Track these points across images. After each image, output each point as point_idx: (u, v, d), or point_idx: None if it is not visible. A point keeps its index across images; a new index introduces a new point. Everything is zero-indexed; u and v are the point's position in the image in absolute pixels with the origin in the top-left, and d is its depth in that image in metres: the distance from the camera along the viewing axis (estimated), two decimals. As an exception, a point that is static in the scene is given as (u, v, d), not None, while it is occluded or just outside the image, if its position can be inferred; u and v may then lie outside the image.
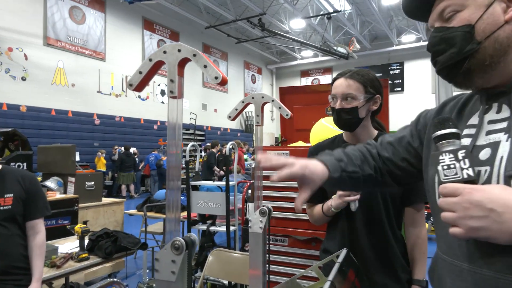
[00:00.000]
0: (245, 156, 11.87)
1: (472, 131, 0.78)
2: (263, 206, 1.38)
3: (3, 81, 9.52)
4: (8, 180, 1.87)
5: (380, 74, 18.87)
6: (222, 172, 8.03)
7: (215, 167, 8.40)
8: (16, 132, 3.73)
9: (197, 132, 15.16)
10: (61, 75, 11.03)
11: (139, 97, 13.42)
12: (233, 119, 1.44)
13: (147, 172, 11.67)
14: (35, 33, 10.33)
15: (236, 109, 1.43)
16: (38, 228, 1.93)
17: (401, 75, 18.57)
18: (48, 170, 3.94)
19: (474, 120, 0.80)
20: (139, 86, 0.91)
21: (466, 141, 0.77)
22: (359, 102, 1.39)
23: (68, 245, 2.65)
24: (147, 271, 3.85)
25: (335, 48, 14.85)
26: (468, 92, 0.89)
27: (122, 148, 11.21)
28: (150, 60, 0.88)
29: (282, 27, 15.86)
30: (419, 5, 0.86)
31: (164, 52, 0.87)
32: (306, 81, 20.73)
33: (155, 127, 13.73)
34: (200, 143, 14.70)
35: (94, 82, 11.89)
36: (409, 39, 17.61)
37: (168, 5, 13.12)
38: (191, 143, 3.52)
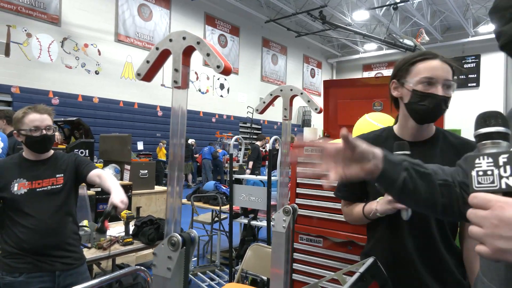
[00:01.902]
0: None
1: None
2: (288, 205, 1.31)
3: (79, 74, 10.42)
4: (59, 162, 2.01)
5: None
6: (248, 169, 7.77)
7: (250, 162, 8.24)
8: (81, 121, 4.04)
9: (253, 126, 15.30)
10: (129, 69, 11.78)
11: (199, 90, 13.87)
12: (261, 112, 1.38)
13: (199, 161, 12.09)
14: (107, 30, 11.14)
15: (264, 102, 1.37)
16: (98, 173, 1.99)
17: (476, 69, 16.95)
18: (108, 158, 4.22)
19: None
20: (148, 76, 0.89)
21: None
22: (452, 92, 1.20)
23: (117, 229, 2.80)
24: (193, 258, 3.97)
25: (401, 40, 13.98)
26: None
27: (182, 139, 11.71)
28: (157, 49, 0.86)
29: (344, 20, 15.30)
30: None
31: (170, 40, 0.84)
32: (368, 76, 19.86)
33: (213, 119, 14.12)
34: (255, 137, 14.85)
35: (158, 76, 12.26)
36: (487, 29, 15.96)
37: (230, 0, 13.33)
38: (234, 137, 3.53)
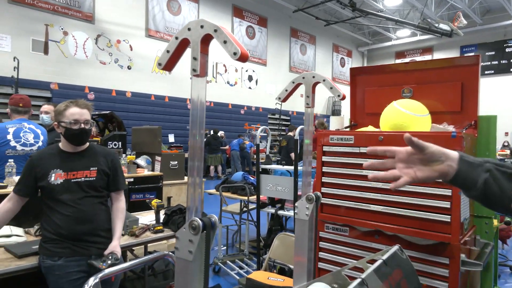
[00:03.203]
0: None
1: None
2: (311, 193, 1.31)
3: (112, 70, 10.77)
4: (93, 156, 2.11)
5: (493, 53, 16.48)
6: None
7: (292, 154, 8.28)
8: (114, 114, 4.18)
9: (282, 117, 15.23)
10: (160, 63, 12.05)
11: (228, 82, 13.96)
12: (284, 101, 1.38)
13: (228, 153, 12.23)
14: (138, 25, 11.41)
15: (286, 90, 1.37)
16: (121, 197, 2.21)
17: (519, 53, 15.95)
18: (139, 149, 4.36)
19: None
20: (168, 65, 0.91)
21: None
22: None
23: (149, 217, 2.90)
24: (223, 247, 4.04)
25: (437, 25, 13.35)
26: None
27: (211, 131, 11.86)
28: (176, 38, 0.88)
29: (375, 6, 14.80)
30: None
31: (189, 29, 0.86)
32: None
33: (242, 111, 14.19)
34: (285, 128, 14.80)
35: (187, 69, 12.58)
36: (532, 10, 14.92)
37: (257, -9, 13.26)
38: (261, 127, 3.54)
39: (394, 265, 0.99)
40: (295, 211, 1.31)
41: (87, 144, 2.14)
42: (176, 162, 4.24)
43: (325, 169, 1.94)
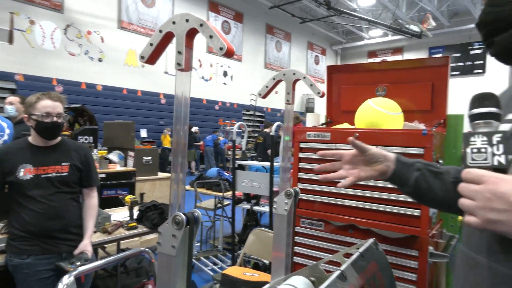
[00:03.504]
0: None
1: None
2: (290, 188, 1.33)
3: (83, 62, 10.40)
4: (65, 150, 2.05)
5: (459, 54, 17.20)
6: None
7: (269, 151, 8.33)
8: (85, 108, 4.06)
9: (257, 113, 15.27)
10: (133, 56, 11.74)
11: (203, 77, 13.82)
12: (264, 97, 1.39)
13: (202, 149, 12.15)
14: (110, 16, 11.07)
15: (267, 86, 1.38)
16: (93, 194, 2.16)
17: (483, 56, 16.72)
18: (111, 144, 4.25)
19: None
20: (151, 58, 0.90)
21: (508, 127, 0.68)
22: None
23: (121, 214, 2.84)
24: (196, 244, 4.02)
25: (407, 26, 13.77)
26: None
27: (185, 127, 11.73)
28: (160, 31, 0.87)
29: (349, 5, 15.08)
30: None
31: (173, 22, 0.85)
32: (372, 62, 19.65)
33: (216, 107, 14.11)
34: (258, 124, 14.85)
35: (161, 63, 12.48)
36: (495, 15, 15.66)
37: (233, -14, 13.18)
38: (237, 123, 3.54)
39: (369, 258, 1.03)
40: (274, 206, 1.33)
41: (59, 138, 2.07)
42: (150, 158, 4.17)
43: (301, 165, 1.97)
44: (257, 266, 3.13)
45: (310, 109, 18.07)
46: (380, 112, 1.91)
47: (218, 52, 0.79)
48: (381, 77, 2.20)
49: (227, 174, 4.32)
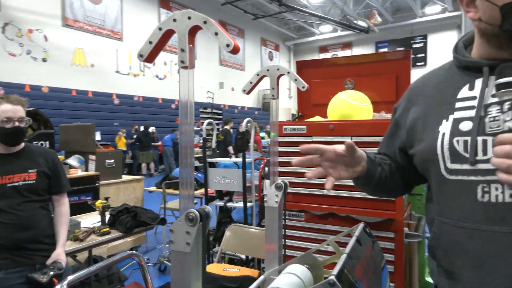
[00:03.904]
0: (262, 134, 11.85)
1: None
2: (279, 181, 1.37)
3: (24, 62, 9.70)
4: (31, 156, 1.93)
5: (402, 48, 18.24)
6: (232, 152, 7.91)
7: (230, 148, 8.27)
8: (38, 111, 3.81)
9: (214, 110, 15.18)
10: (80, 55, 11.15)
11: (157, 76, 13.47)
12: (248, 93, 1.41)
13: (160, 149, 11.87)
14: (53, 14, 10.41)
15: (251, 82, 1.40)
16: (63, 200, 2.06)
17: (424, 49, 17.90)
18: (70, 148, 4.04)
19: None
20: (150, 57, 0.89)
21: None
22: None
23: (90, 220, 2.73)
24: (167, 245, 3.95)
25: (355, 22, 14.34)
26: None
27: (142, 128, 11.37)
28: (160, 29, 0.86)
29: (300, 2, 15.42)
30: None
31: (174, 20, 0.84)
32: (324, 57, 20.26)
33: (173, 106, 13.82)
34: (217, 121, 14.77)
35: (112, 62, 11.98)
36: (434, 10, 16.81)
37: (184, -18, 12.93)
38: (207, 121, 3.52)
39: (364, 240, 1.10)
40: (265, 199, 1.36)
41: (23, 144, 1.95)
42: (113, 161, 4.01)
43: (280, 158, 2.01)
44: (232, 262, 3.15)
45: (266, 105, 18.27)
46: (351, 104, 2.00)
47: (225, 48, 0.80)
48: (349, 71, 2.30)
49: (195, 173, 4.28)
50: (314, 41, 20.47)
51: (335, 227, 1.89)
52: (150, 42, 0.87)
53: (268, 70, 1.36)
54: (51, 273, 1.76)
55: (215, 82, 15.79)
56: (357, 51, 19.24)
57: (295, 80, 1.36)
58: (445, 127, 0.83)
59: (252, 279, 2.33)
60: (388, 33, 17.97)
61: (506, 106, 0.69)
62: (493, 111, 0.71)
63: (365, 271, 0.99)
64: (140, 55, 0.88)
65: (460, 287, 0.81)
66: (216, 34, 0.81)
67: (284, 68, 1.34)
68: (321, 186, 1.92)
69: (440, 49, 17.13)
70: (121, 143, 10.79)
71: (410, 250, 2.05)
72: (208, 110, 14.94)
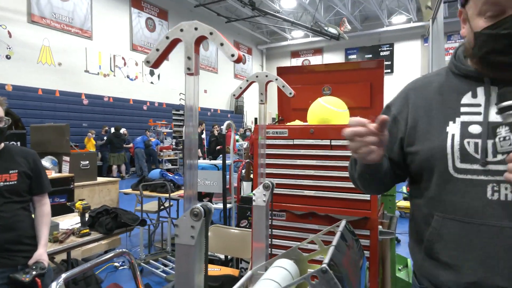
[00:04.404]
0: (236, 137, 11.91)
1: None
2: (267, 181, 1.45)
3: (-14, 59, 9.28)
4: (11, 157, 1.91)
5: (371, 56, 18.92)
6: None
7: (198, 150, 8.24)
8: (9, 110, 3.68)
9: (187, 112, 15.04)
10: (47, 53, 10.77)
11: (128, 77, 13.22)
12: (237, 98, 1.48)
13: (131, 151, 11.65)
14: (18, 9, 10.01)
15: (241, 88, 1.47)
16: (44, 200, 2.03)
17: (391, 57, 18.65)
18: (42, 149, 3.93)
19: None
20: (156, 63, 0.94)
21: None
22: None
23: (67, 222, 2.69)
24: (144, 248, 3.93)
25: (326, 28, 14.75)
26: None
27: (112, 129, 11.11)
28: (167, 38, 0.92)
29: (273, 7, 15.66)
30: None
31: (181, 30, 0.91)
32: (296, 62, 20.65)
33: (145, 107, 13.61)
34: (190, 124, 14.63)
35: (81, 61, 11.65)
36: (400, 20, 17.60)
37: (157, -18, 12.80)
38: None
39: (348, 235, 1.20)
40: (253, 198, 1.43)
41: (2, 144, 1.92)
42: (88, 162, 3.94)
43: (261, 161, 2.09)
44: (211, 262, 3.19)
45: (239, 108, 18.36)
46: (330, 109, 2.12)
47: (230, 58, 0.88)
48: (326, 78, 2.42)
49: (171, 175, 4.28)
50: (286, 45, 20.81)
51: (315, 226, 1.99)
52: (157, 50, 0.92)
53: (257, 76, 1.44)
54: (34, 272, 1.75)
55: (187, 84, 15.66)
56: (328, 56, 19.75)
57: (283, 86, 1.45)
58: (454, 128, 0.89)
59: (233, 278, 2.40)
60: (357, 40, 18.58)
61: None
62: (502, 131, 0.80)
63: (350, 264, 1.09)
64: (147, 62, 0.93)
65: (465, 279, 0.85)
66: (222, 44, 0.88)
67: (272, 75, 1.43)
68: (302, 187, 2.02)
69: (406, 58, 17.93)
70: (90, 145, 10.49)
71: (383, 247, 2.19)
72: (181, 112, 14.83)
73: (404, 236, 4.99)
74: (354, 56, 19.13)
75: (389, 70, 18.38)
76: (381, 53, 18.74)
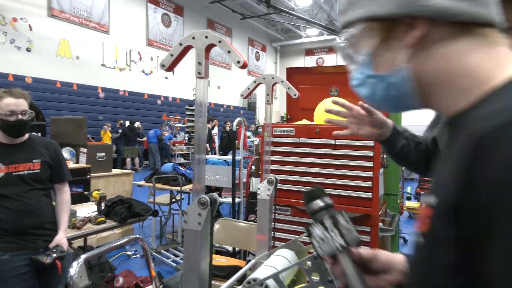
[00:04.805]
0: (248, 133, 12.02)
1: None
2: (271, 176, 1.55)
3: (8, 51, 9.57)
4: (35, 147, 2.05)
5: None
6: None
7: (207, 145, 8.40)
8: (32, 103, 3.84)
9: (200, 108, 15.21)
10: (66, 47, 11.04)
11: (143, 71, 13.44)
12: (246, 97, 1.58)
13: (145, 145, 11.89)
14: (39, 3, 10.28)
15: (249, 88, 1.57)
16: (64, 189, 2.17)
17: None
18: (61, 141, 4.09)
19: None
20: (170, 67, 1.05)
21: None
22: None
23: (84, 210, 2.84)
24: (155, 238, 4.08)
25: (341, 27, 14.64)
26: None
27: (128, 122, 11.35)
28: (181, 44, 1.02)
29: (288, 4, 15.65)
30: None
31: (193, 38, 1.01)
32: (310, 60, 20.60)
33: (159, 102, 13.82)
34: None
35: (98, 55, 11.91)
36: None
37: (173, -22, 12.95)
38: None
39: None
40: (258, 192, 1.53)
41: (27, 135, 2.06)
42: (104, 154, 4.11)
43: (271, 157, 2.19)
44: (219, 253, 3.31)
45: (252, 105, 18.46)
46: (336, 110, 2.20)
47: (236, 64, 0.98)
48: (334, 79, 2.50)
49: (183, 169, 4.41)
50: (301, 43, 20.77)
51: (317, 220, 2.09)
52: (172, 55, 1.03)
53: (264, 78, 1.54)
54: (54, 255, 1.88)
55: (201, 79, 15.83)
56: (342, 55, 19.62)
57: (288, 88, 1.54)
58: None
59: (239, 269, 2.51)
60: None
61: None
62: None
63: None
64: (162, 65, 1.04)
65: None
66: (229, 52, 0.98)
67: (278, 77, 1.52)
68: (307, 183, 2.11)
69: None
70: (107, 137, 10.75)
71: (383, 244, 2.26)
72: (194, 107, 15.00)
73: (412, 237, 5.03)
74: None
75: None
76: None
